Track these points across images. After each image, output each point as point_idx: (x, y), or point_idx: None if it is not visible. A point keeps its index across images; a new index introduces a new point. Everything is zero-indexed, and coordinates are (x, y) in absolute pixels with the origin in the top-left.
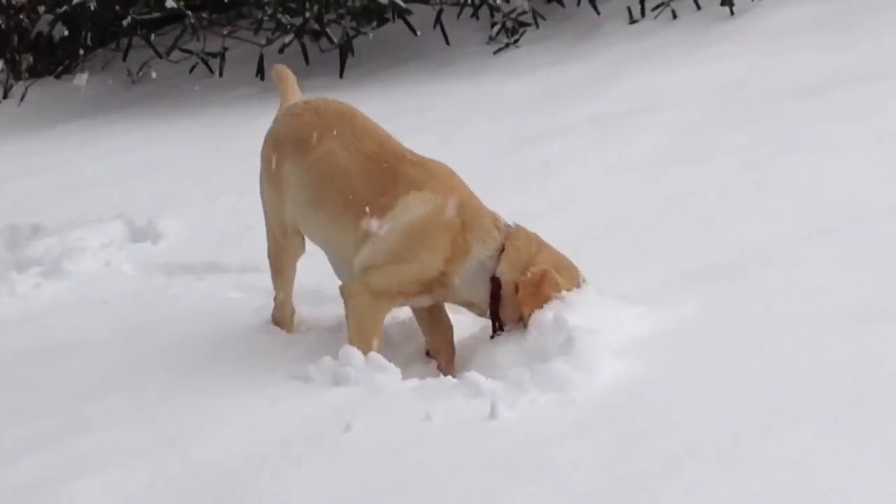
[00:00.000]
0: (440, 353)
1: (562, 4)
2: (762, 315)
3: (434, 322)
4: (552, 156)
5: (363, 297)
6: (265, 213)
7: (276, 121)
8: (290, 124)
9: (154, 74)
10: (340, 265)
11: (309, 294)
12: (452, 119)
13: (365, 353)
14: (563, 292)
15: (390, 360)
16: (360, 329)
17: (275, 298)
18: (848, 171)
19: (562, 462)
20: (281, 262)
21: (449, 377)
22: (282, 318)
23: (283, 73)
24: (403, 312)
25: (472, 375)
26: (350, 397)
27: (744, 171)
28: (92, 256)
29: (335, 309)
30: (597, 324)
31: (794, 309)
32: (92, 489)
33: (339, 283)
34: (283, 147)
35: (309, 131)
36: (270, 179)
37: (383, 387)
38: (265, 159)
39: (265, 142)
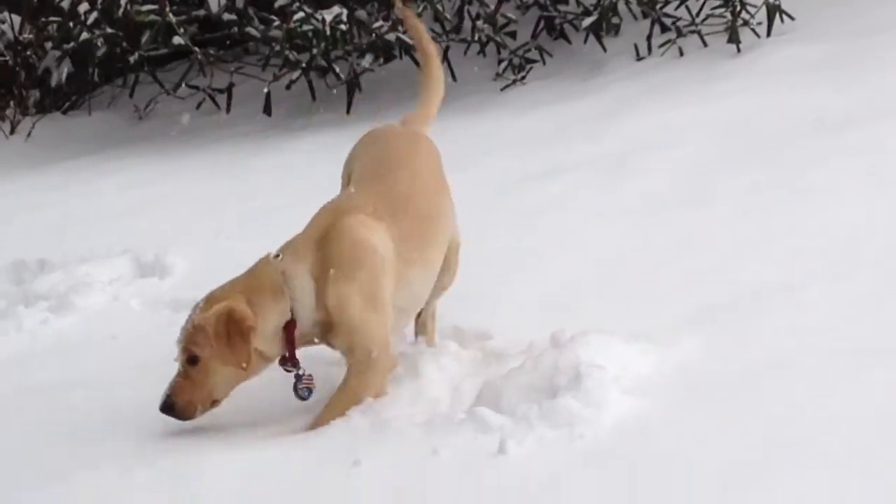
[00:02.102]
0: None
1: (568, 41)
2: (764, 354)
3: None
4: (557, 193)
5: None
6: None
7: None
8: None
9: (188, 118)
10: None
11: None
12: (458, 155)
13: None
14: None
15: (397, 395)
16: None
17: None
18: (851, 212)
19: (571, 498)
20: None
21: (458, 413)
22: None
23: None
24: (407, 346)
25: (481, 411)
26: (357, 433)
27: (747, 211)
28: (100, 291)
29: None
30: (604, 360)
31: (796, 349)
32: None
33: None
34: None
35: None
36: None
37: (391, 421)
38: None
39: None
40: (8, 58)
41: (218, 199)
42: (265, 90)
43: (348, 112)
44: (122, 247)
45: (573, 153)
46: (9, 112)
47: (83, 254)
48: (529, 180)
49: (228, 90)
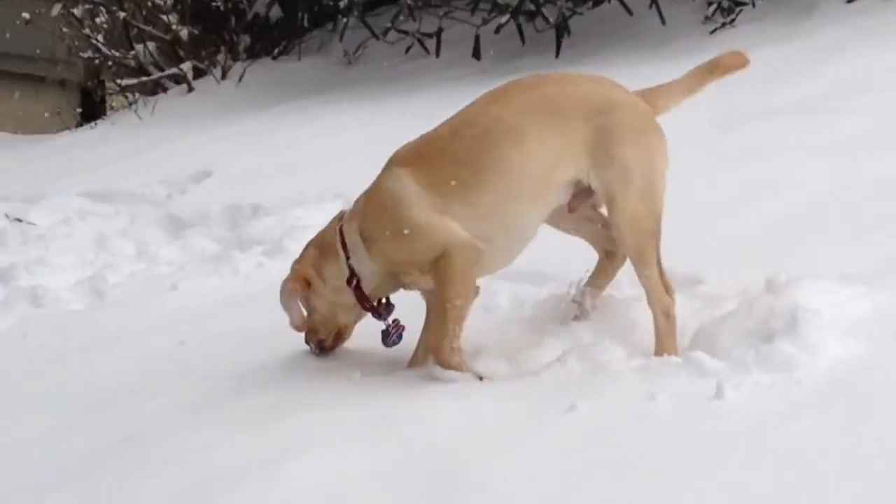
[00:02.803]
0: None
1: None
2: None
3: None
4: (763, 136)
5: None
6: None
7: None
8: None
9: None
10: None
11: (529, 274)
12: None
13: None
14: None
15: (612, 340)
16: None
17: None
18: None
19: (789, 443)
20: None
21: (673, 357)
22: None
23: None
24: (621, 291)
25: (697, 355)
26: (572, 377)
27: None
28: (313, 235)
29: (554, 288)
30: (819, 304)
31: None
32: (309, 468)
33: None
34: None
35: None
36: None
37: (607, 366)
38: None
39: None
40: (219, 3)
41: None
42: (475, 34)
43: (557, 56)
44: (334, 191)
45: (782, 96)
46: (220, 57)
47: (295, 198)
48: (739, 123)
49: (437, 34)
